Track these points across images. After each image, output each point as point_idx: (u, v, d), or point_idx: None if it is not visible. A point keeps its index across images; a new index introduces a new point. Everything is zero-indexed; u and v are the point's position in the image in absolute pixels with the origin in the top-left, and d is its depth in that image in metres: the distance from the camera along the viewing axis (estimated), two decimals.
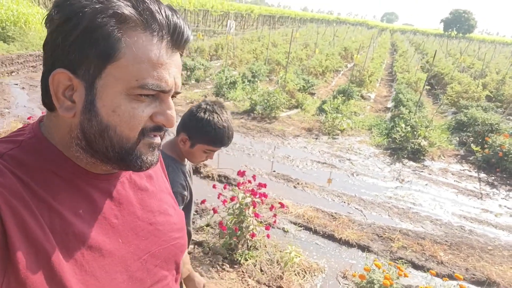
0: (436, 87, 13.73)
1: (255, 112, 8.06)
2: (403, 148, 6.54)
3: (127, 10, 0.56)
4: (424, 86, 8.34)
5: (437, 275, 3.26)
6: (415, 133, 6.60)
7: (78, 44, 0.56)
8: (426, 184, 5.38)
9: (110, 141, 0.60)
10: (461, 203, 4.90)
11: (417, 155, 6.44)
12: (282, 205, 3.46)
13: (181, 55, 0.66)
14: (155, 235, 0.74)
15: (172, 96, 0.65)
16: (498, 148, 6.16)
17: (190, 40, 0.64)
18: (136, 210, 0.71)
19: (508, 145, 6.13)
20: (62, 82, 0.59)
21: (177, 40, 0.61)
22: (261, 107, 8.04)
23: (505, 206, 4.96)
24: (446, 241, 3.87)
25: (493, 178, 5.91)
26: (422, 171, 5.87)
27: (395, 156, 6.37)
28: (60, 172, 0.62)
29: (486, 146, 6.43)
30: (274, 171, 5.26)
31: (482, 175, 6.00)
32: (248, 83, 9.77)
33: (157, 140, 0.66)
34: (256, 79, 10.19)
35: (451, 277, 3.31)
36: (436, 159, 6.47)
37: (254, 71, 10.52)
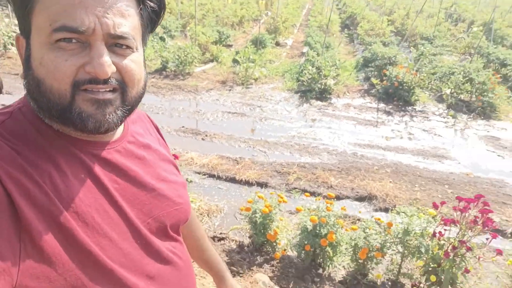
0: (351, 27, 14.24)
1: (167, 70, 7.81)
2: (311, 90, 6.82)
3: None
4: (344, 30, 8.59)
5: (324, 197, 3.60)
6: (321, 74, 6.88)
7: (14, 6, 0.58)
8: (329, 120, 5.74)
9: (46, 97, 0.57)
10: (358, 133, 5.34)
11: (323, 94, 6.78)
12: (175, 157, 3.50)
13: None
14: (158, 199, 0.73)
15: (119, 45, 0.58)
16: (394, 79, 6.68)
17: None
18: (136, 176, 0.70)
19: (402, 75, 6.66)
20: (22, 47, 0.60)
21: None
22: (174, 64, 7.81)
23: (396, 131, 5.49)
24: (338, 167, 4.24)
25: (390, 107, 6.45)
26: (327, 109, 6.23)
27: (304, 98, 6.64)
28: (52, 140, 0.61)
29: (384, 78, 6.94)
30: (183, 126, 5.25)
31: (381, 105, 6.52)
32: (159, 40, 9.34)
33: (104, 95, 0.58)
34: (168, 36, 9.76)
35: (338, 197, 3.68)
36: (341, 96, 6.88)
37: (165, 27, 10.03)
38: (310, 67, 7.03)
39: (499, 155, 4.89)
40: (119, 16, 0.57)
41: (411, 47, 10.15)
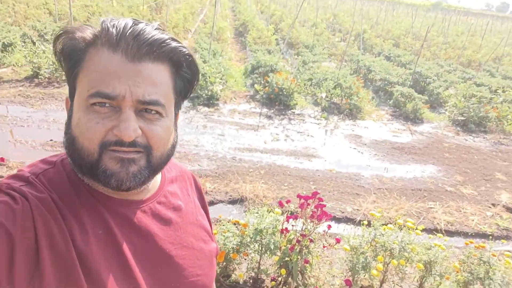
0: (244, 35, 14.79)
1: (40, 77, 7.08)
2: (198, 96, 6.88)
3: (85, 32, 0.62)
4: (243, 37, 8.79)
5: None
6: (207, 80, 6.99)
7: (65, 70, 0.66)
8: (213, 126, 5.87)
9: (77, 153, 0.62)
10: (240, 137, 5.56)
11: (211, 100, 6.90)
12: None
13: (179, 68, 0.67)
14: (174, 268, 0.71)
15: (148, 110, 0.63)
16: (275, 85, 7.13)
17: (160, 46, 0.62)
18: (156, 240, 0.70)
19: (281, 81, 7.15)
20: (68, 107, 0.67)
21: (136, 48, 0.60)
22: (48, 70, 7.12)
23: (275, 133, 5.87)
24: (216, 172, 4.36)
25: (272, 111, 6.87)
26: (213, 115, 6.36)
27: (191, 105, 6.67)
28: (81, 194, 0.64)
29: (266, 84, 7.36)
30: (51, 140, 4.81)
31: (264, 110, 6.90)
32: (32, 44, 8.40)
33: (128, 154, 0.62)
34: (43, 40, 8.84)
35: (212, 202, 3.78)
36: (228, 102, 7.09)
37: (40, 30, 9.09)
38: None
39: (359, 151, 5.59)
40: (151, 84, 0.62)
41: (295, 55, 10.98)
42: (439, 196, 4.44)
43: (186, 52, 0.66)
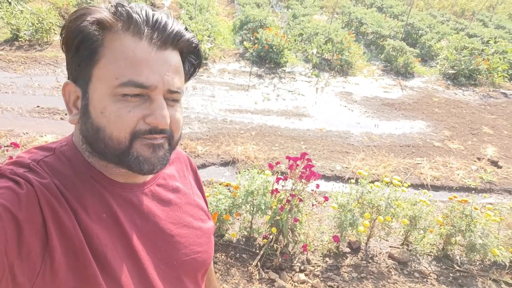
0: None
1: (20, 39, 6.79)
2: None
3: (103, 14, 0.60)
4: None
5: None
6: None
7: (72, 54, 0.62)
8: (202, 87, 5.78)
9: (104, 143, 0.62)
10: (230, 98, 5.51)
11: None
12: (16, 145, 3.18)
13: (191, 57, 0.70)
14: (175, 246, 0.74)
15: (171, 99, 0.65)
16: (264, 42, 6.95)
17: (180, 37, 0.64)
18: (158, 220, 0.72)
19: (271, 37, 6.96)
20: (71, 93, 0.64)
21: (161, 36, 0.61)
22: (28, 32, 6.81)
23: (265, 93, 5.82)
24: (207, 135, 4.38)
25: (262, 70, 6.76)
26: (201, 75, 6.24)
27: None
28: (84, 178, 0.65)
29: (256, 41, 7.16)
30: (38, 106, 4.73)
31: (254, 69, 6.78)
32: (8, 4, 7.95)
33: (158, 140, 0.64)
34: None
35: (204, 165, 3.84)
36: (217, 61, 6.93)
37: None
38: None
39: (349, 109, 5.61)
40: (176, 73, 0.64)
41: (285, 8, 10.59)
42: (427, 151, 4.54)
43: (197, 43, 0.69)
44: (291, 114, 5.20)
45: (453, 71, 7.36)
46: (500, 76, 7.41)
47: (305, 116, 5.19)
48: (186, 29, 0.66)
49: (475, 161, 4.41)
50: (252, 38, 7.47)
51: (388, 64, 7.62)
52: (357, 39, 8.91)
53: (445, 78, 7.37)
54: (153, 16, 0.61)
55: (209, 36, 7.26)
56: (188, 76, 0.74)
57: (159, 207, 0.74)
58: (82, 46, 0.60)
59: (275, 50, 6.92)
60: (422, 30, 8.74)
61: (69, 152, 0.67)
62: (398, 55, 7.45)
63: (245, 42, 7.32)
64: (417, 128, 5.17)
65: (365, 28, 9.13)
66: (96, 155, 0.65)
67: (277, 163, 2.78)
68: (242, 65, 6.88)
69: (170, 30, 0.62)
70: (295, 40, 7.54)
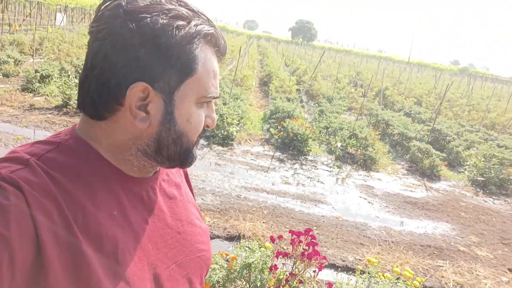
0: (269, 84, 15.33)
1: (69, 106, 7.51)
2: (215, 136, 7.05)
3: (207, 29, 0.62)
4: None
5: None
6: (224, 121, 7.18)
7: (161, 59, 0.59)
8: (224, 164, 5.92)
9: (181, 146, 0.65)
10: (248, 177, 5.56)
11: (226, 140, 7.03)
12: None
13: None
14: (183, 244, 0.72)
15: None
16: (290, 130, 7.22)
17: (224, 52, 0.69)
18: (166, 217, 0.71)
19: (297, 126, 7.24)
20: (137, 94, 0.60)
21: (221, 51, 0.67)
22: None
23: (284, 176, 5.84)
24: (218, 208, 4.33)
25: (285, 155, 6.89)
26: (225, 154, 6.44)
27: (206, 143, 6.81)
28: (97, 173, 0.62)
29: (282, 129, 7.46)
30: None
31: (277, 153, 6.93)
32: (67, 77, 9.02)
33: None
34: (78, 74, 9.49)
35: (209, 237, 3.72)
36: (243, 143, 7.19)
37: (77, 65, 9.79)
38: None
39: (369, 202, 5.43)
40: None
41: (315, 105, 11.19)
42: (450, 255, 4.18)
43: None
44: (308, 199, 5.10)
45: (482, 179, 7.13)
46: None
47: (322, 203, 5.07)
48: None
49: (505, 271, 3.97)
50: (279, 127, 7.80)
51: (413, 165, 7.54)
52: (383, 138, 9.06)
53: (474, 185, 7.11)
54: (216, 32, 0.65)
55: (238, 121, 7.68)
56: None
57: (166, 202, 0.73)
58: (180, 59, 0.60)
59: (299, 138, 7.13)
60: (450, 136, 8.79)
61: (76, 146, 0.63)
62: (424, 157, 7.40)
63: (271, 129, 7.64)
64: (440, 230, 4.85)
65: (391, 129, 9.33)
66: (153, 157, 0.65)
67: (280, 237, 2.65)
68: (266, 149, 7.07)
69: (226, 46, 0.68)
70: (320, 132, 7.78)
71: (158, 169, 0.74)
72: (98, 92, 0.59)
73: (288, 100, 9.56)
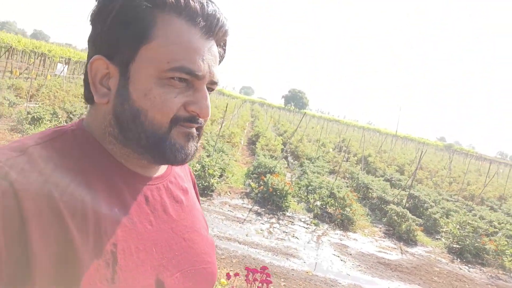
0: (256, 143, 15.75)
1: None
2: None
3: None
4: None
5: None
6: (205, 172, 7.30)
7: (113, 29, 0.57)
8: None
9: (142, 127, 0.58)
10: (223, 226, 5.54)
11: (205, 191, 7.07)
12: None
13: (221, 48, 0.67)
14: (188, 252, 0.66)
15: (210, 89, 0.63)
16: (270, 185, 7.33)
17: (226, 30, 0.63)
18: (171, 220, 0.65)
19: (277, 182, 7.37)
20: (100, 69, 0.59)
21: (211, 27, 0.60)
22: None
23: (260, 229, 5.82)
24: None
25: (263, 210, 6.91)
26: (203, 204, 6.45)
27: None
28: (98, 164, 0.59)
29: (262, 184, 7.57)
30: None
31: (256, 207, 6.96)
32: (58, 122, 9.24)
33: (193, 130, 0.62)
34: (70, 119, 9.73)
35: None
36: (222, 195, 7.23)
37: (69, 111, 10.07)
38: (197, 165, 7.45)
39: (342, 260, 5.38)
40: (217, 65, 0.64)
41: (299, 166, 11.44)
42: None
43: (229, 34, 0.68)
44: (280, 252, 5.05)
45: (458, 246, 7.14)
46: (510, 261, 7.06)
47: (294, 257, 5.02)
48: (226, 18, 0.65)
49: None
50: (260, 182, 7.92)
51: (391, 229, 7.57)
52: (363, 202, 9.17)
53: (450, 252, 7.09)
54: (207, 6, 0.60)
55: (220, 174, 7.80)
56: None
57: (172, 205, 0.68)
58: (130, 23, 0.57)
59: (278, 193, 7.21)
60: (428, 203, 8.94)
61: (80, 136, 0.61)
62: (401, 221, 7.47)
63: (251, 183, 7.74)
64: None
65: (370, 193, 9.49)
66: (123, 141, 0.60)
67: (236, 274, 2.64)
68: (245, 202, 7.10)
69: (221, 23, 0.62)
70: (299, 188, 7.89)
71: (165, 169, 0.71)
72: (85, 76, 0.61)
73: (272, 157, 9.80)
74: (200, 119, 0.61)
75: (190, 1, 0.58)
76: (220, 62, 0.68)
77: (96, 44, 0.59)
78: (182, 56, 0.57)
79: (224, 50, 0.68)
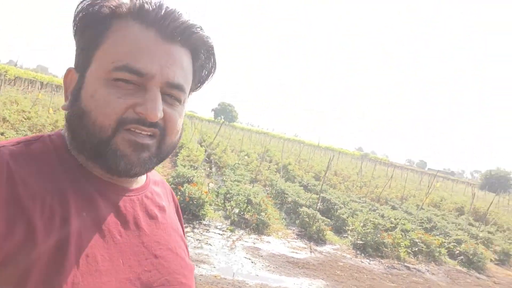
0: (178, 154, 15.56)
1: None
2: None
3: (113, 2, 0.58)
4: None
5: None
6: None
7: (77, 39, 0.60)
8: None
9: (87, 129, 0.57)
10: None
11: None
12: None
13: (203, 55, 0.65)
14: (159, 270, 0.62)
15: (170, 94, 0.60)
16: (187, 195, 7.32)
17: (196, 35, 0.61)
18: (142, 235, 0.63)
19: (194, 191, 7.39)
20: (72, 80, 0.61)
21: (168, 29, 0.58)
22: None
23: None
24: None
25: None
26: None
27: None
28: (69, 170, 0.59)
29: (179, 194, 7.53)
30: None
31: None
32: None
33: (143, 139, 0.58)
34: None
35: None
36: None
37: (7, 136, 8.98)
38: None
39: (252, 262, 5.59)
40: (180, 68, 0.60)
41: (221, 175, 11.59)
42: None
43: (211, 44, 0.64)
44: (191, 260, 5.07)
45: (361, 242, 7.85)
46: (404, 251, 7.95)
47: (204, 263, 5.08)
48: (202, 28, 0.63)
49: None
50: (177, 191, 7.86)
51: (303, 230, 8.04)
52: (281, 208, 9.61)
53: (355, 248, 7.76)
54: (166, 8, 0.59)
55: None
56: (198, 80, 0.68)
57: (145, 220, 0.65)
58: (87, 29, 0.59)
59: (195, 202, 7.23)
60: (337, 205, 9.69)
61: (56, 142, 0.61)
62: (312, 222, 7.99)
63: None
64: (315, 286, 5.14)
65: (286, 197, 9.98)
66: (75, 144, 0.60)
67: None
68: None
69: (180, 23, 0.59)
70: (217, 196, 8.00)
71: (143, 183, 0.70)
72: None
73: (192, 167, 9.80)
74: (159, 124, 0.59)
75: (145, 5, 0.58)
76: (207, 72, 0.68)
77: (74, 57, 0.63)
78: (127, 56, 0.57)
79: (210, 59, 0.67)
